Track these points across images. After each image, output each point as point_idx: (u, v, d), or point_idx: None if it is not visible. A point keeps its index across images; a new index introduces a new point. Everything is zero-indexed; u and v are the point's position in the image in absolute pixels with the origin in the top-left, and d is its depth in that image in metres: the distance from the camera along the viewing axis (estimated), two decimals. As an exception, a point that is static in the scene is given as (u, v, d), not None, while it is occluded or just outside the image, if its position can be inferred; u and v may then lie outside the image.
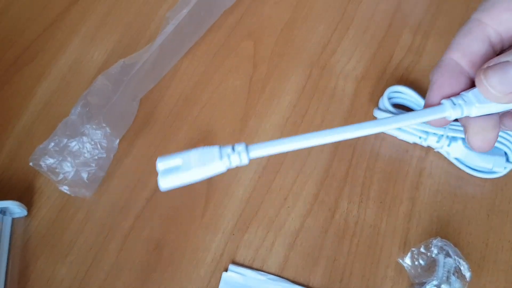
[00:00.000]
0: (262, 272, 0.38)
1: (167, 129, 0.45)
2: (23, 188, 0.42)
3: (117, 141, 0.42)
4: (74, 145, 0.39)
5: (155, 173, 0.42)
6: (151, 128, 0.45)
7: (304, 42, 0.49)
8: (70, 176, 0.39)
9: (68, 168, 0.39)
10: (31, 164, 0.40)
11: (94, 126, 0.40)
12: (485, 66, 0.22)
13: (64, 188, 0.40)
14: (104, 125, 0.40)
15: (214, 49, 0.49)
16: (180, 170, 0.23)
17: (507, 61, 0.22)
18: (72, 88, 0.47)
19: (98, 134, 0.40)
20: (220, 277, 0.38)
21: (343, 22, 0.50)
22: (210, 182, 0.42)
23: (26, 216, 0.41)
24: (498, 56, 0.23)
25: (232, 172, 0.43)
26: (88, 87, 0.42)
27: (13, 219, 0.41)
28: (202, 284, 0.38)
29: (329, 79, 0.47)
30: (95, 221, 0.41)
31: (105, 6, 0.52)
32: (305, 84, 0.47)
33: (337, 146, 0.43)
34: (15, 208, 0.40)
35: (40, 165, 0.39)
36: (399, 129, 0.42)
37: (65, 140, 0.40)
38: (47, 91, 0.47)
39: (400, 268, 0.38)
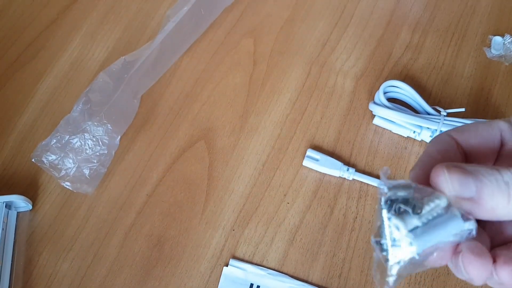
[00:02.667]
0: (262, 267, 0.39)
1: (167, 126, 0.45)
2: (25, 184, 0.43)
3: (118, 137, 0.42)
4: (75, 141, 0.40)
5: (156, 170, 0.43)
6: (152, 125, 0.45)
7: (304, 39, 0.49)
8: (71, 172, 0.40)
9: (70, 164, 0.40)
10: (33, 160, 0.40)
11: (95, 123, 0.40)
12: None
13: (66, 184, 0.40)
14: (105, 122, 0.40)
15: (214, 46, 0.49)
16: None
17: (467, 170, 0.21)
18: (74, 86, 0.47)
19: (99, 131, 0.40)
20: (221, 272, 0.39)
21: (343, 19, 0.50)
22: (210, 178, 0.43)
23: (30, 210, 0.41)
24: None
25: (232, 169, 0.43)
26: (89, 84, 0.43)
27: (18, 213, 0.41)
28: (203, 279, 0.39)
29: (329, 76, 0.47)
30: (96, 217, 0.41)
31: (106, 3, 0.52)
32: (304, 82, 0.47)
33: (336, 142, 0.44)
34: (20, 202, 0.40)
35: (42, 161, 0.40)
36: (394, 123, 0.43)
37: (67, 137, 0.40)
38: (49, 88, 0.47)
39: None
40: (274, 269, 0.39)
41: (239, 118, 0.45)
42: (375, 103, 0.43)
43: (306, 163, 0.42)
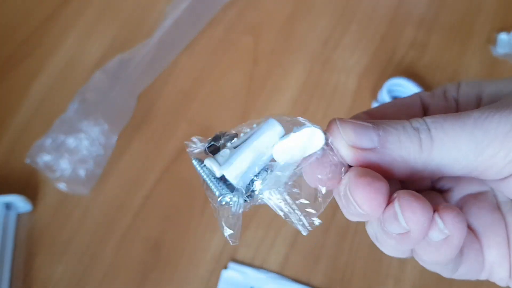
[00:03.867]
0: (263, 270, 0.38)
1: (165, 126, 0.44)
2: (20, 186, 0.42)
3: (115, 137, 0.41)
4: (71, 142, 0.39)
5: (153, 171, 0.42)
6: (149, 125, 0.44)
7: (305, 36, 0.48)
8: (67, 173, 0.39)
9: (65, 165, 0.39)
10: (28, 161, 0.39)
11: (91, 123, 0.39)
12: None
13: (61, 186, 0.39)
14: (101, 121, 0.40)
15: (213, 44, 0.48)
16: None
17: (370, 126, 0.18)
18: (69, 84, 0.47)
19: (95, 131, 0.40)
20: (220, 276, 0.38)
21: (345, 16, 0.49)
22: (209, 180, 0.42)
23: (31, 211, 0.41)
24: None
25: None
26: (85, 83, 0.42)
27: (18, 215, 0.40)
28: (202, 283, 0.38)
29: (331, 74, 0.46)
30: (92, 219, 0.40)
31: (102, 0, 0.51)
32: (306, 80, 0.46)
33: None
34: (19, 203, 0.39)
35: (37, 162, 0.39)
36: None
37: (62, 137, 0.39)
38: (44, 87, 0.46)
39: (402, 266, 0.38)
40: (274, 273, 0.38)
41: (239, 117, 0.44)
42: (378, 101, 0.43)
43: (308, 164, 0.41)
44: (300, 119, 0.19)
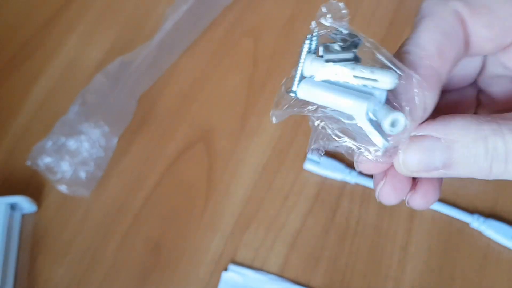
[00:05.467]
0: (263, 272, 0.38)
1: (166, 128, 0.44)
2: (20, 188, 0.42)
3: (116, 139, 0.41)
4: (72, 143, 0.39)
5: (153, 172, 0.42)
6: (149, 127, 0.45)
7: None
8: (68, 175, 0.39)
9: (66, 167, 0.39)
10: (28, 163, 0.39)
11: (92, 125, 0.40)
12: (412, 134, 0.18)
13: (62, 187, 0.40)
14: (102, 123, 0.40)
15: (213, 46, 0.48)
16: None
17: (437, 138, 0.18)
18: (70, 86, 0.47)
19: (96, 133, 0.40)
20: (220, 278, 0.38)
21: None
22: (209, 181, 0.42)
23: (36, 212, 0.41)
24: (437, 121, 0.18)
25: (232, 171, 0.42)
26: (86, 85, 0.42)
27: (22, 215, 0.40)
28: (201, 285, 0.38)
29: (330, 76, 0.46)
30: (93, 220, 0.41)
31: (103, 2, 0.52)
32: (305, 82, 0.46)
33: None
34: (24, 204, 0.40)
35: (38, 164, 0.39)
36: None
37: (63, 139, 0.39)
38: (45, 89, 0.47)
39: (402, 267, 0.38)
40: (274, 274, 0.38)
41: (239, 119, 0.45)
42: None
43: (307, 166, 0.42)
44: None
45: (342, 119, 0.18)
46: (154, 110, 0.45)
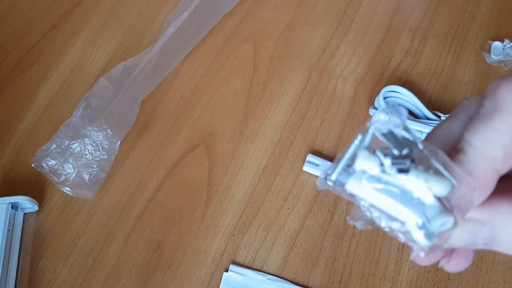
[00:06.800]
0: (262, 273, 0.39)
1: (167, 131, 0.45)
2: (25, 190, 0.43)
3: (118, 142, 0.42)
4: (75, 146, 0.40)
5: (155, 175, 0.43)
6: (152, 130, 0.45)
7: (304, 44, 0.49)
8: (71, 177, 0.40)
9: (69, 169, 0.40)
10: (33, 165, 0.40)
11: (95, 128, 0.40)
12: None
13: (66, 189, 0.40)
14: (105, 127, 0.40)
15: (214, 52, 0.49)
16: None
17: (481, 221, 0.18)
18: (74, 90, 0.48)
19: (99, 136, 0.40)
20: (221, 278, 0.38)
21: (342, 25, 0.51)
22: (210, 184, 0.42)
23: (37, 211, 0.41)
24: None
25: (232, 174, 0.43)
26: (89, 90, 0.43)
27: (24, 215, 0.41)
28: (203, 285, 0.38)
29: (329, 81, 0.47)
30: (96, 222, 0.41)
31: (107, 9, 0.52)
32: (304, 87, 0.47)
33: (336, 147, 0.44)
34: (26, 204, 0.40)
35: (42, 167, 0.40)
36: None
37: (67, 142, 0.40)
38: (49, 93, 0.47)
39: (399, 268, 0.39)
40: (274, 275, 0.39)
41: (239, 123, 0.45)
42: (375, 108, 0.44)
43: (306, 168, 0.42)
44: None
45: (388, 219, 0.18)
46: (156, 114, 0.46)
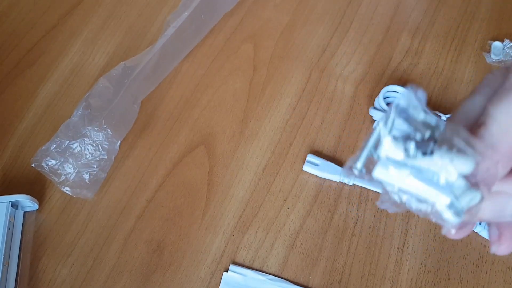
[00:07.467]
0: (262, 273, 0.39)
1: (167, 131, 0.45)
2: (25, 190, 0.42)
3: (118, 142, 0.42)
4: (75, 146, 0.40)
5: (156, 175, 0.43)
6: (152, 130, 0.45)
7: (304, 44, 0.49)
8: (71, 177, 0.40)
9: (69, 169, 0.40)
10: (33, 165, 0.40)
11: (95, 128, 0.40)
12: None
13: (66, 189, 0.40)
14: (105, 127, 0.40)
15: (214, 52, 0.49)
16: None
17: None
18: (74, 90, 0.48)
19: (99, 136, 0.40)
20: (221, 278, 0.39)
21: (343, 25, 0.51)
22: (210, 184, 0.42)
23: (37, 210, 0.41)
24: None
25: (232, 174, 0.43)
26: (89, 90, 0.43)
27: (24, 213, 0.41)
28: (203, 285, 0.38)
29: (329, 81, 0.47)
30: (96, 222, 0.41)
31: (107, 9, 0.52)
32: (304, 87, 0.47)
33: (336, 147, 0.44)
34: (26, 202, 0.40)
35: (42, 166, 0.40)
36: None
37: (67, 142, 0.40)
38: (49, 93, 0.47)
39: (399, 268, 0.39)
40: (274, 275, 0.39)
41: (239, 123, 0.45)
42: (375, 108, 0.44)
43: (306, 168, 0.42)
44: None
45: (418, 201, 0.18)
46: (156, 114, 0.46)
